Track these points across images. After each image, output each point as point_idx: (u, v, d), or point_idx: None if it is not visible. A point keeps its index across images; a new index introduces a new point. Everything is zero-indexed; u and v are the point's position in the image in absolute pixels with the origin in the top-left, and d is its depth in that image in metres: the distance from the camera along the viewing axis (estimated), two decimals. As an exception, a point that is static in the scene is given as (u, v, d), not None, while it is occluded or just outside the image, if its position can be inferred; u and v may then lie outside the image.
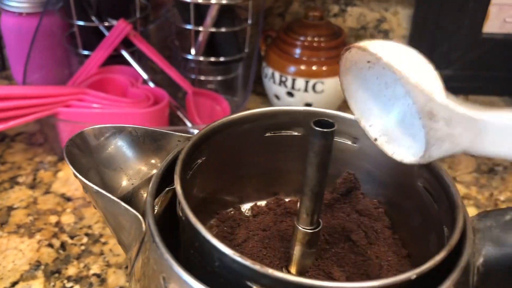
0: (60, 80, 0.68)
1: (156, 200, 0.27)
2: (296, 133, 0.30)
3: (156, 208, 0.28)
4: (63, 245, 0.50)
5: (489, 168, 0.66)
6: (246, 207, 0.32)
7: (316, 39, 0.68)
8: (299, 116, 0.29)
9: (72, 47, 0.68)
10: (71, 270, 0.47)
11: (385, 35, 0.78)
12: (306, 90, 0.69)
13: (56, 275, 0.46)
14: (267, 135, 0.30)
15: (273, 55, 0.70)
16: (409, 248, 0.23)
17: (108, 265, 0.48)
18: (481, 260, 0.23)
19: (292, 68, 0.69)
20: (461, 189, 0.62)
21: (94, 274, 0.47)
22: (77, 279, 0.46)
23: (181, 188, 0.22)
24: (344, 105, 0.72)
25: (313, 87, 0.69)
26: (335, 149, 0.31)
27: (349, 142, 0.30)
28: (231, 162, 0.30)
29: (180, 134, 0.28)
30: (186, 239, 0.23)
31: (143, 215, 0.23)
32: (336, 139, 0.30)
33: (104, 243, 0.50)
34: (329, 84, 0.69)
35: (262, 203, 0.32)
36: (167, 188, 0.28)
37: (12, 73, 0.73)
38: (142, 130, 0.27)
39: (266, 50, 0.72)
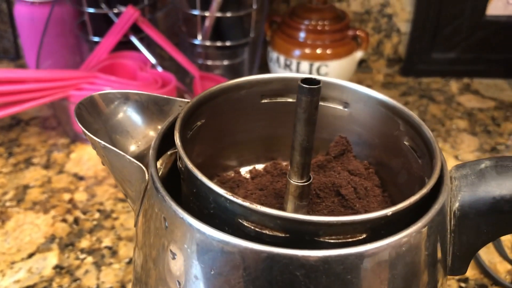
0: (71, 67, 0.70)
1: (161, 161, 0.29)
2: (291, 100, 0.32)
3: (161, 170, 0.30)
4: (76, 220, 0.52)
5: (491, 147, 0.67)
6: (245, 170, 0.34)
7: (320, 22, 0.70)
8: (293, 83, 0.31)
9: (83, 34, 0.70)
10: (84, 243, 0.49)
11: (389, 19, 0.80)
12: (310, 73, 0.71)
13: (70, 247, 0.49)
14: (263, 101, 0.32)
15: (278, 40, 0.72)
16: (397, 204, 0.24)
17: (119, 238, 0.50)
18: (457, 204, 0.24)
19: (296, 52, 0.70)
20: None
21: (106, 247, 0.49)
22: (90, 251, 0.48)
23: (180, 141, 0.24)
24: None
25: (318, 70, 0.70)
26: (328, 115, 0.33)
27: (341, 107, 0.32)
28: (229, 127, 0.32)
29: (181, 99, 0.30)
30: (185, 188, 0.25)
31: (146, 167, 0.25)
32: (329, 104, 0.32)
33: (115, 218, 0.52)
34: (333, 67, 0.70)
35: (260, 166, 0.34)
36: (169, 151, 0.30)
37: (26, 61, 0.76)
38: (145, 96, 0.29)
39: (271, 34, 0.74)
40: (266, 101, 0.32)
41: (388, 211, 0.21)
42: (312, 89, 0.24)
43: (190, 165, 0.23)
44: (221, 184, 0.31)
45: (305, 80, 0.24)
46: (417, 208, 0.23)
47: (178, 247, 0.22)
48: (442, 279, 0.26)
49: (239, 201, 0.21)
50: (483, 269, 0.48)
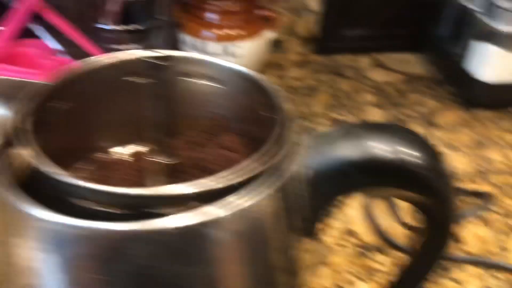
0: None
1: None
2: (153, 80, 0.31)
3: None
4: None
5: (397, 118, 0.69)
6: (114, 151, 0.33)
7: (228, 3, 0.70)
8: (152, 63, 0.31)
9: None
10: None
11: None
12: (225, 54, 0.71)
13: None
14: (127, 80, 0.31)
15: (188, 22, 0.71)
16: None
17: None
18: (307, 170, 0.25)
19: (207, 33, 0.70)
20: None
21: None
22: None
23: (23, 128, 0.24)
24: (263, 69, 0.75)
25: (229, 51, 0.71)
26: (203, 93, 0.33)
27: (209, 83, 0.32)
28: (93, 109, 0.31)
29: (39, 82, 0.29)
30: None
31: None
32: (199, 81, 0.32)
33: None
34: (244, 48, 0.71)
35: (130, 147, 0.33)
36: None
37: None
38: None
39: (181, 17, 0.73)
40: (130, 80, 0.31)
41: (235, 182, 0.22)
42: (159, 65, 0.24)
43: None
44: (89, 166, 0.31)
45: (154, 57, 0.24)
46: (267, 176, 0.24)
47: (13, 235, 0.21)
48: (297, 244, 0.26)
49: (68, 180, 0.21)
50: (381, 235, 0.51)
